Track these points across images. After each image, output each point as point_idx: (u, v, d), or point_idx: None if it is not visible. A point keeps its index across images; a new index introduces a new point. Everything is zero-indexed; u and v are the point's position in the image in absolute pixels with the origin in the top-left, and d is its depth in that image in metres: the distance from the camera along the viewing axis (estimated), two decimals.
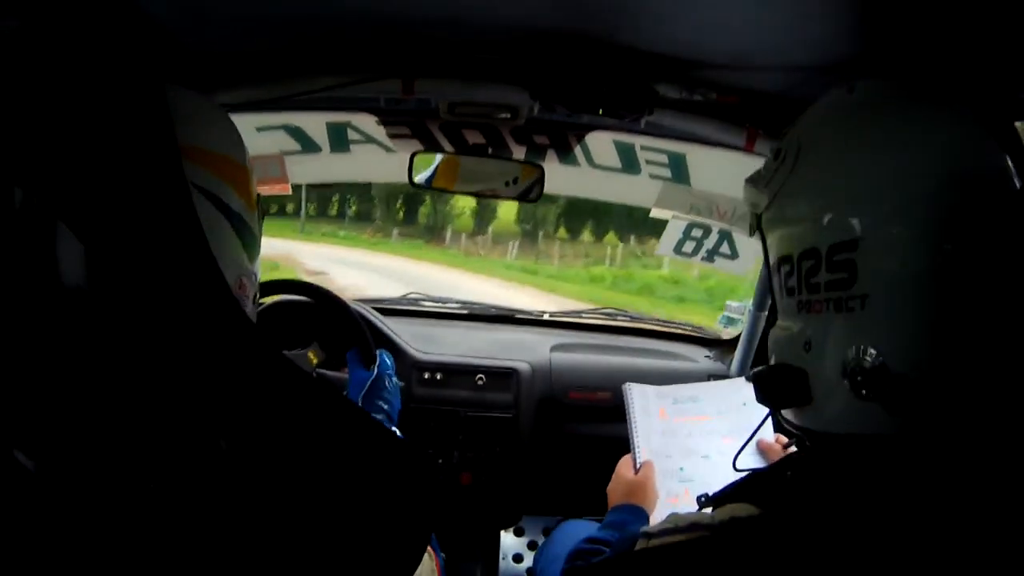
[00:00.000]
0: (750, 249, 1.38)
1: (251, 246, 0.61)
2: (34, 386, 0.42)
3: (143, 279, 0.43)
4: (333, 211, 20.27)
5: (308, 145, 1.31)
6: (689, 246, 1.44)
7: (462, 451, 1.33)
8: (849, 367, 0.50)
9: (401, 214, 20.02)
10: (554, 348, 1.45)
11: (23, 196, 0.41)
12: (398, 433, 0.90)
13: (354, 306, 1.17)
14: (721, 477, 0.74)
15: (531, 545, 1.49)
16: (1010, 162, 0.49)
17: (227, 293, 0.47)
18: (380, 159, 1.35)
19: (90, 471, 0.44)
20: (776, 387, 0.58)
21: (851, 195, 0.51)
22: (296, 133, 1.29)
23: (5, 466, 0.41)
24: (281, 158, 1.28)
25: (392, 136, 1.29)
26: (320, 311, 1.15)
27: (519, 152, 1.30)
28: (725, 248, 1.43)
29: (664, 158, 1.33)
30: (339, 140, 1.32)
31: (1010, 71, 0.66)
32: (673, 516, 0.60)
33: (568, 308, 1.79)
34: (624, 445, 1.02)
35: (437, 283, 10.23)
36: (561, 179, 1.40)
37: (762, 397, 0.61)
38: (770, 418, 0.90)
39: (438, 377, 1.34)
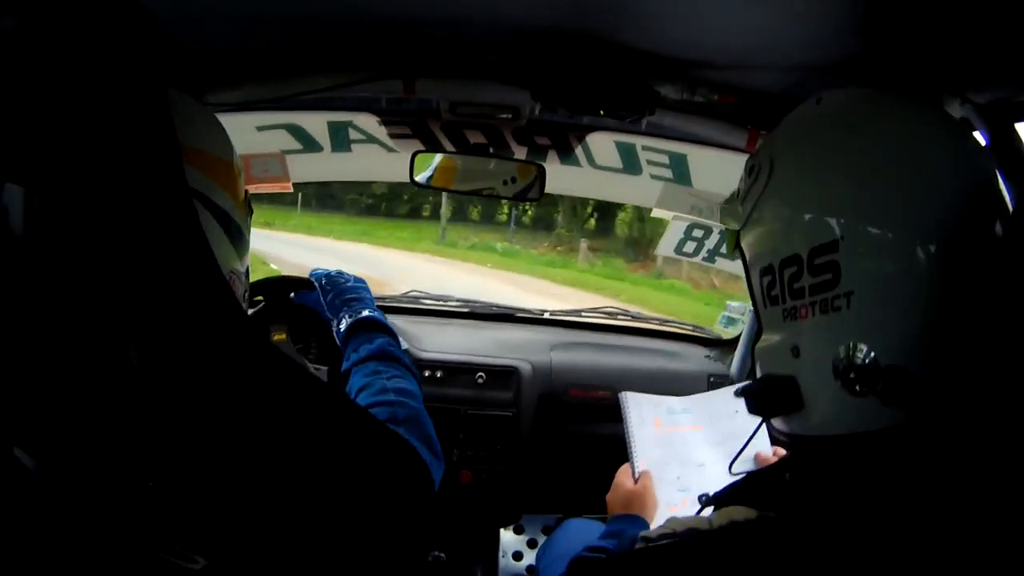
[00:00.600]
0: None
1: (239, 245, 0.61)
2: (34, 386, 0.42)
3: (143, 276, 0.43)
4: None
5: (309, 144, 1.32)
6: (690, 246, 1.44)
7: (462, 449, 1.33)
8: (840, 366, 0.51)
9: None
10: (554, 347, 1.45)
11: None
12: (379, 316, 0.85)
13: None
14: (717, 486, 0.74)
15: (531, 543, 1.49)
16: (980, 159, 0.53)
17: (225, 289, 0.47)
18: (381, 158, 1.35)
19: (90, 471, 0.44)
20: (767, 398, 0.59)
21: (827, 198, 0.52)
22: (297, 132, 1.30)
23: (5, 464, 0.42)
24: (282, 157, 1.29)
25: (393, 136, 1.29)
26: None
27: (520, 152, 1.30)
28: (725, 248, 1.44)
29: (665, 158, 1.33)
30: (340, 139, 1.33)
31: (1008, 71, 0.66)
32: (671, 521, 0.60)
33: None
34: (624, 445, 1.03)
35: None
36: (562, 179, 1.40)
37: (754, 409, 0.61)
38: (765, 427, 0.90)
39: (438, 375, 1.35)
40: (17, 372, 0.42)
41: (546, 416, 1.38)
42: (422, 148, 1.25)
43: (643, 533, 0.62)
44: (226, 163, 0.59)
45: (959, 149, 0.53)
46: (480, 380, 1.36)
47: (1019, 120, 0.68)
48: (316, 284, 0.93)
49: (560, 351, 1.44)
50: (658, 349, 1.53)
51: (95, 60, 0.42)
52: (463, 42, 0.86)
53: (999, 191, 0.53)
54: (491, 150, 1.27)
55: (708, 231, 1.41)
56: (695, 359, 1.49)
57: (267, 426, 0.48)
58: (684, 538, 0.56)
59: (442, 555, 1.37)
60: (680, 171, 1.33)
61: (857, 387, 0.50)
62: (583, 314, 1.69)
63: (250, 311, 0.89)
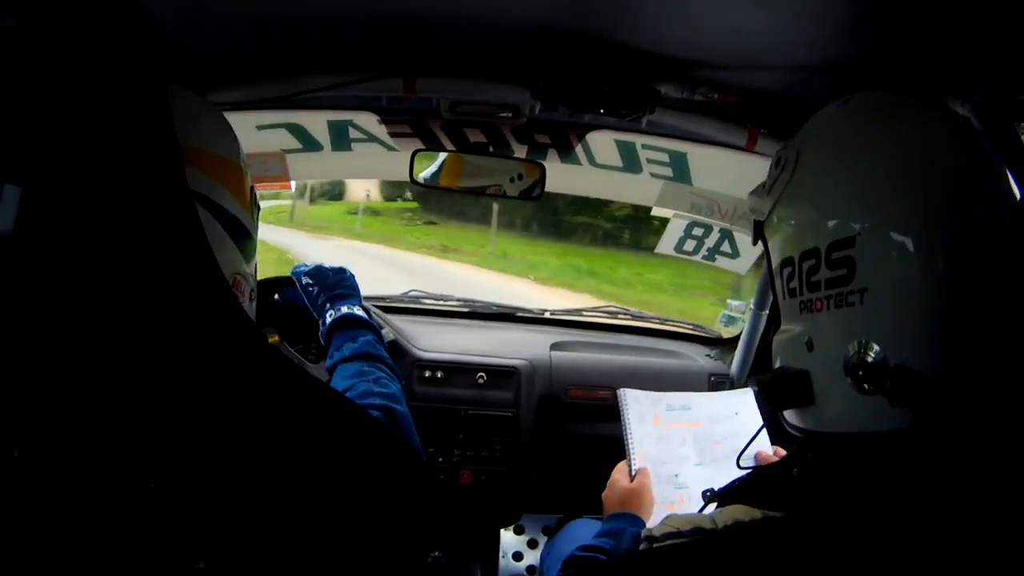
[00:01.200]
0: (750, 248, 1.38)
1: (246, 246, 0.60)
2: (34, 386, 0.42)
3: (143, 275, 0.43)
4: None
5: (310, 143, 1.32)
6: (690, 245, 1.44)
7: (462, 449, 1.33)
8: (851, 363, 0.51)
9: None
10: (554, 346, 1.45)
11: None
12: (360, 312, 0.82)
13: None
14: (715, 484, 0.74)
15: (531, 543, 1.49)
16: (999, 162, 0.53)
17: (226, 292, 0.47)
18: (381, 157, 1.35)
19: (90, 472, 0.44)
20: (780, 389, 0.59)
21: (847, 196, 0.53)
22: (298, 131, 1.29)
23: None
24: (283, 156, 1.29)
25: (393, 134, 1.29)
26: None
27: (520, 151, 1.30)
28: (726, 247, 1.43)
29: (665, 157, 1.33)
30: (341, 138, 1.32)
31: (1009, 71, 0.66)
32: (672, 518, 0.59)
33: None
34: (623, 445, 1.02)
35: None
36: (562, 178, 1.40)
37: (766, 400, 0.61)
38: (765, 429, 0.90)
39: (438, 375, 1.34)
40: (17, 372, 0.42)
41: (546, 416, 1.38)
42: (422, 147, 1.25)
43: (645, 532, 0.61)
44: (231, 163, 0.59)
45: (979, 158, 0.54)
46: (480, 380, 1.35)
47: (1019, 120, 0.68)
48: (296, 282, 0.91)
49: (560, 350, 1.44)
50: (658, 348, 1.52)
51: (95, 61, 0.42)
52: (463, 41, 0.86)
53: (1015, 198, 0.54)
54: (491, 149, 1.27)
55: (708, 229, 1.41)
56: (695, 358, 1.49)
57: (267, 428, 0.47)
58: (690, 538, 0.56)
59: (442, 555, 1.37)
60: (680, 170, 1.33)
61: (866, 385, 0.51)
62: (583, 313, 1.69)
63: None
